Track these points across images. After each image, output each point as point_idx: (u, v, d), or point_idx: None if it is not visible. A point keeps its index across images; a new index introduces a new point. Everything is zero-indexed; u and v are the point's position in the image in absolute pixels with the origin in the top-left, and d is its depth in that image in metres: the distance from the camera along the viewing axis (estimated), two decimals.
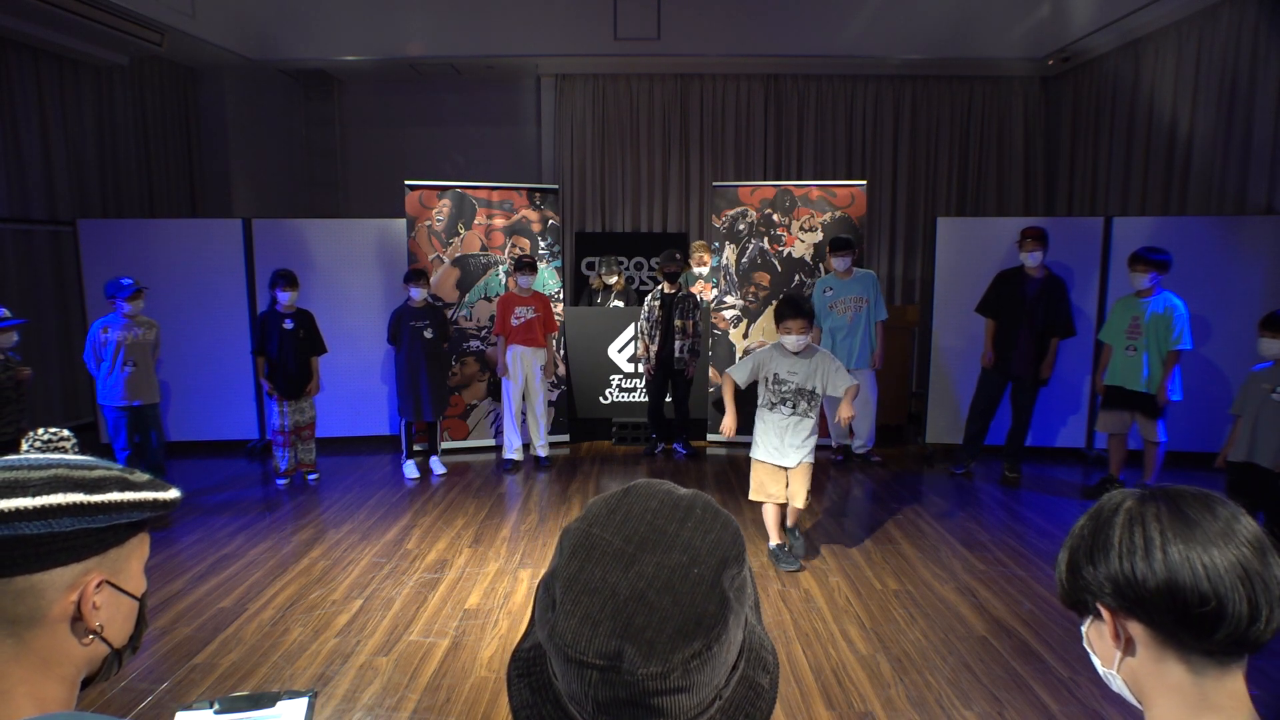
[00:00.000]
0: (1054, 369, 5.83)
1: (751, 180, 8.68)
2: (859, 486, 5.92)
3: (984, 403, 6.01)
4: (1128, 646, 0.88)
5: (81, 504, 0.75)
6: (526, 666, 0.67)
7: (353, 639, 3.57)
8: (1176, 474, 5.81)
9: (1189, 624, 0.82)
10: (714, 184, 7.62)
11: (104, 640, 0.82)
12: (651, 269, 9.12)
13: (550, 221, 7.06)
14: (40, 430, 0.86)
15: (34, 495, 0.73)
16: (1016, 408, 5.90)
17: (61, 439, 0.86)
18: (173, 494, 0.85)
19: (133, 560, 0.84)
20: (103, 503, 0.77)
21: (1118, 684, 0.94)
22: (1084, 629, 0.97)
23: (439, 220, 6.72)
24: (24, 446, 0.84)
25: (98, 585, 0.79)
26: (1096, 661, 0.96)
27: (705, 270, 7.31)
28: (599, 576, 0.60)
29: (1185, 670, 0.84)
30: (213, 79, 8.67)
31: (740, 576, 0.63)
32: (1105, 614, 0.88)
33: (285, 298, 5.71)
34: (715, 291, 7.09)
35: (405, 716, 2.96)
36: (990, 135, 9.05)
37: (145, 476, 0.84)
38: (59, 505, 0.74)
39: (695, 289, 7.26)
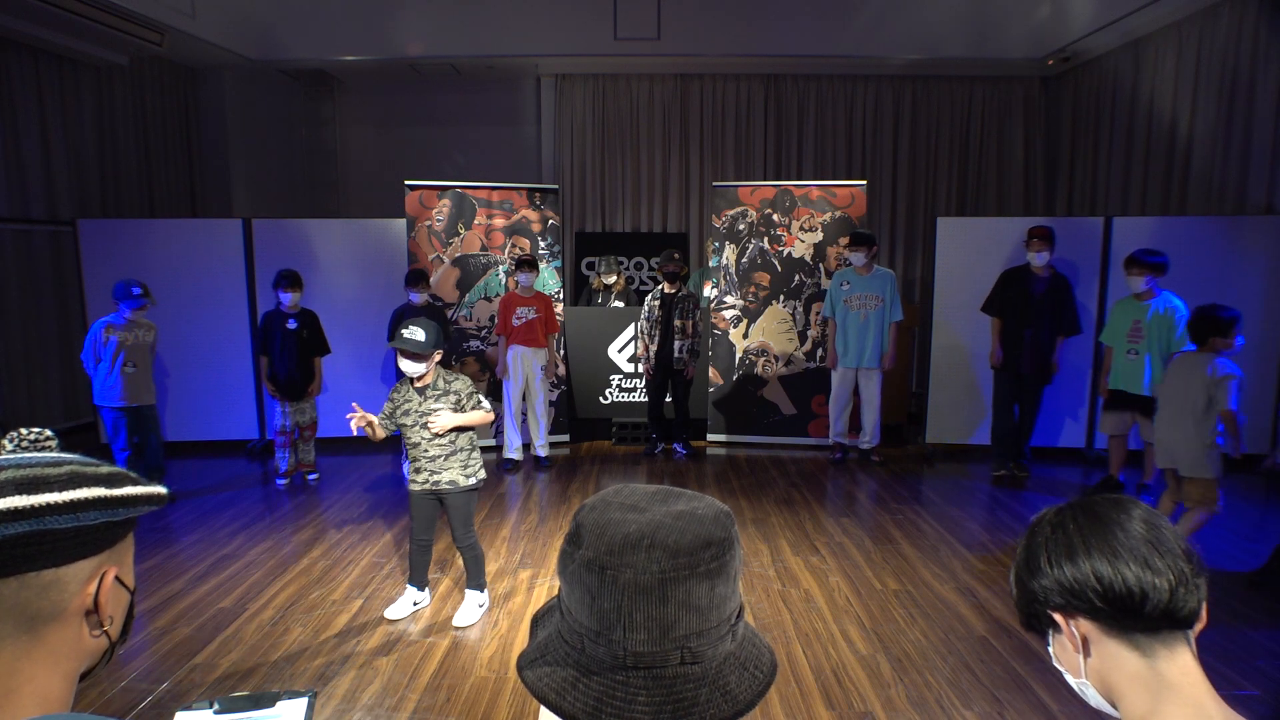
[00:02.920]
0: (1059, 366, 5.89)
1: (751, 180, 8.68)
2: (859, 486, 5.92)
3: (1004, 402, 6.00)
4: (1084, 646, 0.97)
5: (105, 498, 0.78)
6: (540, 651, 0.73)
7: (353, 639, 3.57)
8: None
9: (1121, 605, 0.92)
10: (714, 184, 7.62)
11: (106, 633, 0.83)
12: (651, 269, 9.12)
13: (550, 221, 7.06)
14: (25, 430, 0.86)
15: (60, 490, 0.75)
16: (1024, 407, 5.94)
17: (46, 439, 0.86)
18: (165, 490, 0.89)
19: (128, 554, 0.87)
20: (122, 496, 0.80)
21: (1091, 693, 1.00)
22: (1050, 649, 1.04)
23: (439, 220, 6.72)
24: (8, 446, 0.84)
25: (114, 577, 0.82)
26: (1069, 677, 1.03)
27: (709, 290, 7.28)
28: (619, 518, 0.70)
29: (1137, 656, 0.93)
30: (213, 79, 8.67)
31: (734, 530, 0.73)
32: (1058, 617, 0.98)
33: (288, 298, 5.71)
34: (714, 291, 7.09)
35: (405, 716, 2.96)
36: (990, 135, 9.05)
37: (133, 475, 0.85)
38: (86, 499, 0.76)
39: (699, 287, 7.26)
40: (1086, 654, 0.97)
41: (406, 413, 3.63)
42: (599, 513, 0.72)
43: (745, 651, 0.73)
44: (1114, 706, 0.97)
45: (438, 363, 3.64)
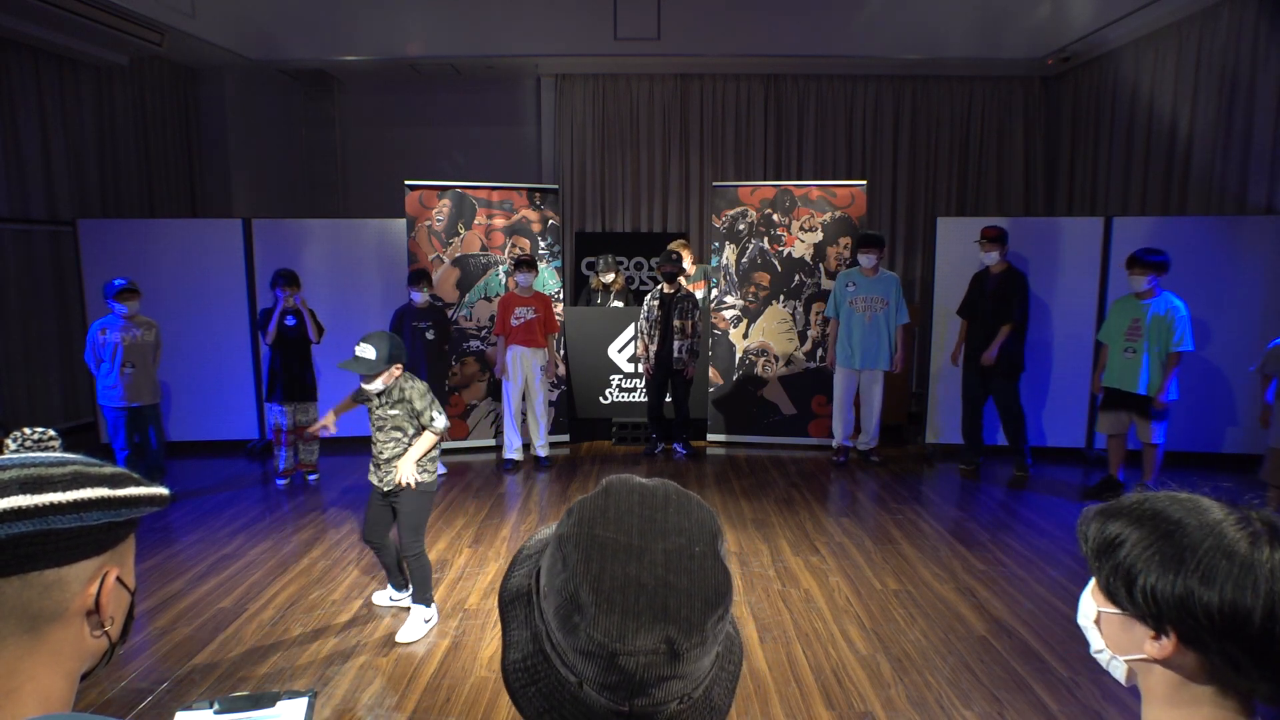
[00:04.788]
0: (1002, 356, 5.84)
1: (751, 180, 8.68)
2: (859, 486, 5.92)
3: (969, 399, 6.18)
4: (1167, 662, 0.87)
5: (108, 498, 0.78)
6: (530, 675, 0.69)
7: (353, 639, 3.57)
8: (1176, 474, 5.79)
9: (1273, 662, 0.80)
10: (714, 184, 7.62)
11: (106, 634, 0.83)
12: (651, 269, 9.12)
13: (550, 221, 7.06)
14: (28, 429, 0.86)
15: (64, 490, 0.74)
16: (997, 406, 6.03)
17: (49, 439, 0.86)
18: (167, 491, 0.88)
19: (129, 555, 0.87)
20: (125, 496, 0.80)
21: (1117, 666, 0.95)
22: (1099, 609, 0.95)
23: (439, 220, 6.72)
24: (12, 446, 0.84)
25: (115, 578, 0.82)
26: (1099, 643, 0.96)
27: (687, 264, 7.16)
28: (620, 572, 0.64)
29: (1215, 692, 0.85)
30: (213, 79, 8.67)
31: (725, 545, 0.71)
32: (1172, 640, 0.85)
33: (285, 297, 5.72)
34: (714, 291, 7.08)
35: (405, 716, 2.96)
36: (990, 135, 9.05)
37: (135, 475, 0.85)
38: (90, 499, 0.76)
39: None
40: (1166, 667, 0.88)
41: (370, 410, 3.65)
42: (597, 564, 0.64)
43: (722, 645, 0.72)
44: (1133, 682, 0.93)
45: (400, 371, 3.55)
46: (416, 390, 3.56)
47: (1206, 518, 0.86)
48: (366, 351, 3.41)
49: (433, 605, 3.74)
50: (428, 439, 3.57)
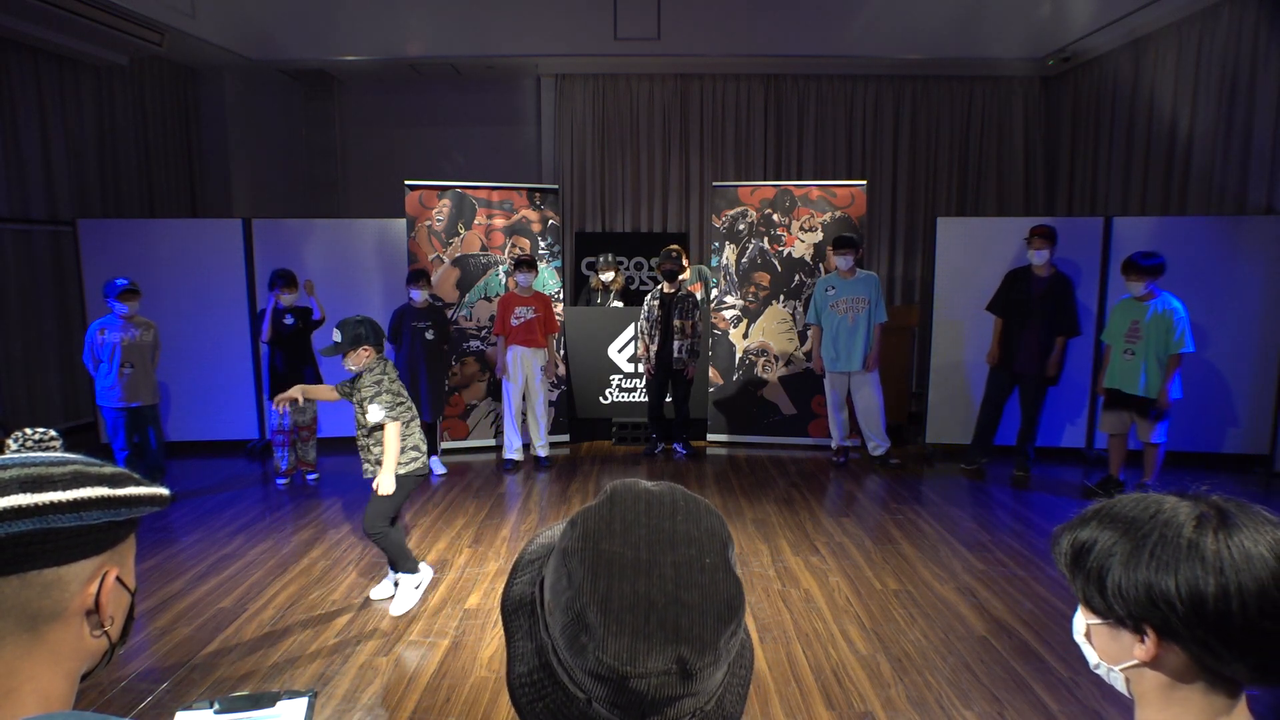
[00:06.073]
0: (1062, 368, 5.85)
1: (751, 180, 8.68)
2: (859, 486, 5.92)
3: (991, 400, 6.06)
4: (1156, 662, 0.89)
5: (108, 497, 0.78)
6: (537, 690, 0.67)
7: (353, 639, 3.57)
8: (1176, 474, 5.80)
9: (1238, 642, 0.81)
10: (714, 184, 7.62)
11: (106, 634, 0.83)
12: (651, 269, 9.12)
13: (550, 221, 7.06)
14: (29, 429, 0.86)
15: (64, 489, 0.75)
16: (1024, 407, 5.95)
17: (50, 439, 0.86)
18: (167, 491, 0.89)
19: (129, 555, 0.87)
20: (125, 496, 0.80)
21: (1116, 678, 0.96)
22: (1087, 622, 0.97)
23: (439, 220, 6.72)
24: (13, 446, 0.84)
25: (115, 578, 0.82)
26: (1094, 657, 0.98)
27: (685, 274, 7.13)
28: (629, 590, 0.62)
29: (1203, 688, 0.87)
30: (213, 79, 8.67)
31: (733, 551, 0.69)
32: (1151, 637, 0.87)
33: (285, 298, 5.73)
34: (714, 291, 7.08)
35: (405, 716, 2.96)
36: (990, 135, 9.05)
37: (135, 475, 0.85)
38: (90, 498, 0.76)
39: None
40: (1158, 670, 0.89)
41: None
42: (604, 582, 0.62)
43: (732, 657, 0.70)
44: (1129, 690, 0.95)
45: (370, 355, 3.67)
46: (372, 378, 3.65)
47: (1157, 509, 0.89)
48: (335, 334, 3.63)
49: (420, 570, 3.82)
50: (389, 438, 3.63)
